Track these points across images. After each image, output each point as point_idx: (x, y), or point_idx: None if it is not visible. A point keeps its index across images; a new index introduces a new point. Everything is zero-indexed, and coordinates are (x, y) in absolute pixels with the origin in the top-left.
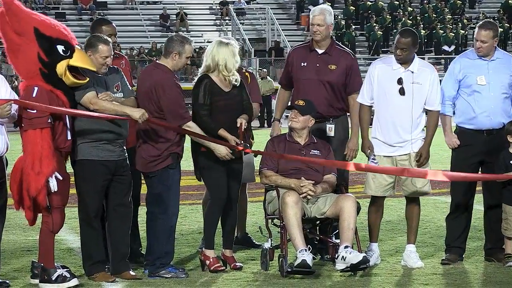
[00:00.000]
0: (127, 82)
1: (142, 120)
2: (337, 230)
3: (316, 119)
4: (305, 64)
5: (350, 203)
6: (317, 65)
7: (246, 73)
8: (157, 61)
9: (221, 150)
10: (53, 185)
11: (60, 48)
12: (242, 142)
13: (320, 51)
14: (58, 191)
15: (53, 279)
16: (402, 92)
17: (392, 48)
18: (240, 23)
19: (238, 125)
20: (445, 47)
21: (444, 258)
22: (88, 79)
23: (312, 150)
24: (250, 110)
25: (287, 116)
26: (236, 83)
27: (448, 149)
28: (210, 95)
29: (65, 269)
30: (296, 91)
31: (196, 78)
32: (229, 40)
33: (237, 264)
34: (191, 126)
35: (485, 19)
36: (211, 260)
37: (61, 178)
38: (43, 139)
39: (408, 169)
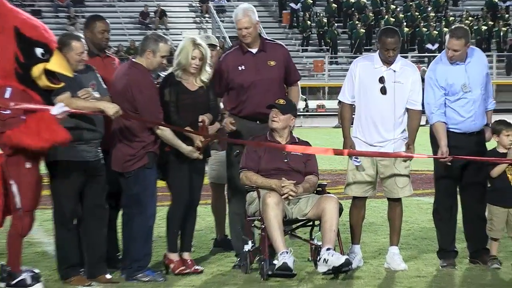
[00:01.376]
0: (101, 81)
1: (116, 116)
2: (319, 232)
3: (267, 121)
4: (243, 67)
5: (332, 204)
6: (256, 65)
7: None
8: (133, 59)
9: (192, 153)
10: (15, 189)
11: (39, 51)
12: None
13: (254, 51)
14: (29, 194)
15: (13, 283)
16: (383, 91)
17: (375, 46)
18: (221, 20)
19: (200, 120)
20: (429, 45)
21: (444, 264)
22: (62, 84)
23: (293, 151)
24: (215, 110)
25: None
26: (202, 83)
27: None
28: (176, 93)
29: (31, 273)
30: (236, 97)
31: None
32: (208, 36)
33: (197, 268)
34: (165, 129)
35: (455, 25)
36: (175, 263)
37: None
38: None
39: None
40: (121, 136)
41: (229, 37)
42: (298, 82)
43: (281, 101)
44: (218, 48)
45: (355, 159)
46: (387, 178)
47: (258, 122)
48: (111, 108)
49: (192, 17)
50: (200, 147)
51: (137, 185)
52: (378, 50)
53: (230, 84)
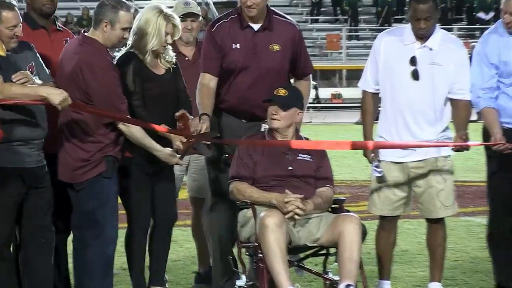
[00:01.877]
0: (42, 63)
1: (64, 106)
2: (336, 263)
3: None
4: (238, 45)
5: (353, 226)
6: (255, 46)
7: None
8: (85, 33)
9: (170, 156)
10: None
11: None
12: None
13: (256, 27)
14: None
15: None
16: (415, 75)
17: (408, 16)
18: None
19: (179, 114)
20: (481, 14)
21: None
22: None
23: (300, 154)
24: (187, 104)
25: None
26: (168, 64)
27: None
28: (141, 81)
29: None
30: (219, 81)
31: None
32: (187, 2)
33: None
34: (132, 125)
35: None
36: None
37: None
38: None
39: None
40: (69, 134)
41: (214, 3)
42: (310, 75)
43: (282, 92)
44: (200, 18)
45: (375, 167)
46: (424, 192)
47: (243, 120)
48: (56, 95)
49: None
50: (181, 150)
51: (91, 200)
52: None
53: (222, 65)
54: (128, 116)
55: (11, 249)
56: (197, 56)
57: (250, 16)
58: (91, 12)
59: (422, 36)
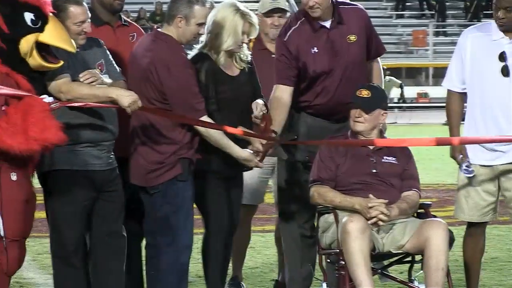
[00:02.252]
0: (113, 60)
1: (133, 108)
2: (421, 271)
3: (343, 121)
4: (316, 49)
5: (440, 233)
6: (333, 44)
7: None
8: (159, 29)
9: (249, 158)
10: None
11: (29, 16)
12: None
13: (328, 24)
14: (16, 216)
15: None
16: (505, 72)
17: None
18: None
19: (257, 111)
20: None
21: None
22: (61, 62)
23: (384, 157)
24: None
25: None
26: (243, 64)
27: None
28: (214, 84)
29: None
30: (305, 88)
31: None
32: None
33: None
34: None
35: None
36: None
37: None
38: None
39: None
40: (143, 135)
41: None
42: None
43: (365, 93)
44: (288, 14)
45: (466, 167)
46: None
47: (332, 121)
48: (126, 97)
49: None
50: (261, 152)
51: (165, 204)
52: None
53: (302, 74)
54: (205, 117)
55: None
56: None
57: (315, 16)
58: (165, 7)
59: (501, 26)
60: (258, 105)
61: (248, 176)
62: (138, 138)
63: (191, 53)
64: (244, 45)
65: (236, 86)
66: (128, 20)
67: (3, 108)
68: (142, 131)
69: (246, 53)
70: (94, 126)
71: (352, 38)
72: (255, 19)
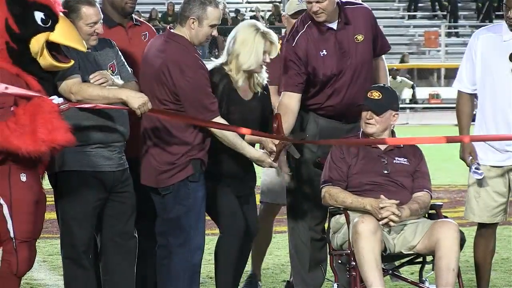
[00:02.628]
0: (124, 61)
1: (144, 110)
2: (432, 272)
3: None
4: (325, 52)
5: (451, 234)
6: (341, 46)
7: None
8: (171, 30)
9: (262, 158)
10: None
11: (39, 15)
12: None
13: (334, 26)
14: (26, 217)
15: None
16: None
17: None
18: None
19: (273, 115)
20: None
21: None
22: (72, 61)
23: (396, 158)
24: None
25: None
26: (259, 88)
27: None
28: (227, 104)
29: None
30: (316, 91)
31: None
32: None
33: None
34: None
35: None
36: None
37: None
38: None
39: None
40: (154, 136)
41: None
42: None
43: (376, 94)
44: None
45: (476, 169)
46: None
47: (343, 122)
48: (136, 99)
49: None
50: (274, 152)
51: (177, 205)
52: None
53: (312, 78)
54: (218, 117)
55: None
56: None
57: (320, 21)
58: (177, 8)
59: (511, 25)
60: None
61: (271, 175)
62: (149, 139)
63: (209, 66)
64: (264, 67)
65: (247, 110)
66: (140, 19)
67: (12, 108)
68: (153, 132)
69: (263, 77)
70: (104, 127)
71: (360, 37)
72: (275, 38)
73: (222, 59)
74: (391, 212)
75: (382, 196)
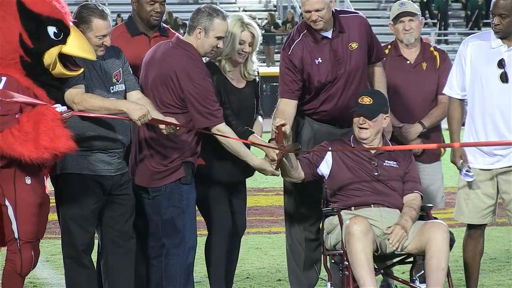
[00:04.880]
0: (130, 70)
1: (143, 122)
2: (422, 271)
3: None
4: (320, 60)
5: (441, 234)
6: (336, 53)
7: (435, 52)
8: (180, 37)
9: (264, 166)
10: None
11: (52, 30)
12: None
13: (329, 34)
14: (30, 219)
15: None
16: (504, 78)
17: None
18: None
19: (277, 125)
20: None
21: None
22: (82, 69)
23: (386, 161)
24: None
25: None
26: (251, 77)
27: None
28: (225, 92)
29: None
30: (312, 98)
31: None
32: (403, 3)
33: None
34: (224, 130)
35: None
36: None
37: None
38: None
39: None
40: (150, 139)
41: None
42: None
43: (367, 100)
44: (420, 17)
45: (467, 172)
46: None
47: (337, 126)
48: (136, 110)
49: None
50: (275, 160)
51: (171, 207)
52: None
53: (308, 85)
54: (223, 124)
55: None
56: (420, 58)
57: (317, 29)
58: (175, 16)
59: (497, 33)
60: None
61: None
62: (145, 141)
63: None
64: (254, 59)
65: (241, 98)
66: (170, 29)
67: (17, 116)
68: (149, 135)
69: (252, 68)
70: (105, 137)
71: (354, 45)
72: (255, 30)
73: None
74: (400, 237)
75: (385, 230)
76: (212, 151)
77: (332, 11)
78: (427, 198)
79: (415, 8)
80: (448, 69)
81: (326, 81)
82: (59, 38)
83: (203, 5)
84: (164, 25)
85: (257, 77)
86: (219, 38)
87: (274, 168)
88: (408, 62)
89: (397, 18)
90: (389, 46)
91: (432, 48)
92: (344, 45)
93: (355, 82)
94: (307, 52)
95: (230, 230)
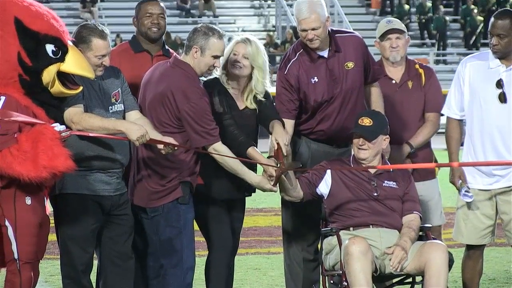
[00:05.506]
0: (129, 90)
1: (141, 142)
2: None
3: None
4: (316, 79)
5: (439, 255)
6: (332, 72)
7: (420, 69)
8: (177, 56)
9: (263, 183)
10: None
11: (50, 48)
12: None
13: (325, 54)
14: (30, 239)
15: None
16: (503, 98)
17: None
18: (288, 4)
19: (274, 145)
20: None
21: None
22: (81, 87)
23: (386, 181)
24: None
25: None
26: (254, 106)
27: None
28: (227, 103)
29: None
30: (308, 117)
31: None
32: (390, 20)
33: None
34: (220, 149)
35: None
36: None
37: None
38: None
39: None
40: (148, 159)
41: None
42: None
43: (367, 121)
44: (406, 36)
45: (466, 192)
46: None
47: (334, 145)
48: (134, 131)
49: (250, 0)
50: (274, 177)
51: (169, 227)
52: None
53: (304, 104)
54: (219, 143)
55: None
56: (406, 77)
57: (313, 48)
58: (174, 36)
59: (495, 53)
60: (276, 137)
61: None
62: (143, 161)
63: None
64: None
65: (242, 115)
66: (173, 52)
67: (16, 135)
68: (147, 154)
69: (261, 89)
70: (104, 156)
71: (350, 65)
72: (254, 44)
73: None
74: (400, 258)
75: (385, 250)
76: (211, 170)
77: (328, 30)
78: (426, 215)
79: (402, 26)
80: (434, 86)
81: (323, 100)
82: (58, 56)
83: (199, 25)
84: (168, 47)
85: (264, 100)
86: (215, 57)
87: (272, 184)
88: (394, 81)
89: (384, 36)
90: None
91: (417, 66)
92: (340, 64)
93: (352, 101)
94: (303, 71)
95: (231, 250)
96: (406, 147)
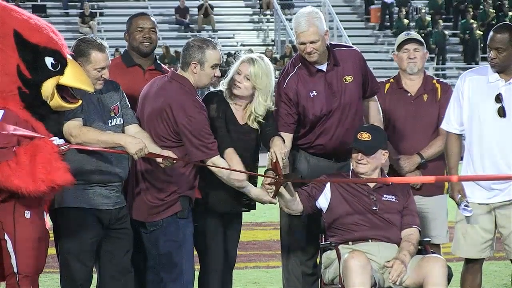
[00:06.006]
0: (128, 104)
1: (140, 156)
2: None
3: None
4: (315, 93)
5: (438, 268)
6: (331, 86)
7: (437, 84)
8: (175, 71)
9: (261, 195)
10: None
11: (49, 61)
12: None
13: (324, 67)
14: (29, 253)
15: None
16: (502, 113)
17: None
18: (287, 19)
19: (273, 157)
20: None
21: None
22: (80, 101)
23: (385, 195)
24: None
25: None
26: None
27: None
28: (225, 114)
29: None
30: (306, 131)
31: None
32: (409, 32)
33: None
34: (219, 163)
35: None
36: None
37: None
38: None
39: None
40: (147, 174)
41: None
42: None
43: (366, 136)
44: (425, 49)
45: (465, 207)
46: (510, 233)
47: (333, 159)
48: (133, 144)
49: (248, 14)
50: (272, 190)
51: (168, 241)
52: None
53: (303, 118)
54: (217, 157)
55: None
56: (422, 90)
57: (312, 61)
58: (173, 50)
59: (494, 67)
60: (275, 150)
61: None
62: (142, 175)
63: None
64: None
65: (241, 131)
66: (165, 67)
67: (14, 149)
68: (146, 169)
69: (261, 111)
70: (103, 170)
71: (348, 78)
72: (258, 66)
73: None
74: (399, 271)
75: (385, 263)
76: (209, 183)
77: (327, 44)
78: (430, 232)
79: (421, 39)
80: (449, 100)
81: (321, 114)
82: (57, 69)
83: (190, 39)
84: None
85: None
86: (214, 66)
87: (271, 196)
88: (409, 94)
89: (401, 46)
90: (392, 80)
91: (434, 81)
92: (338, 78)
93: (350, 115)
94: (301, 85)
95: (222, 266)
96: (417, 158)
